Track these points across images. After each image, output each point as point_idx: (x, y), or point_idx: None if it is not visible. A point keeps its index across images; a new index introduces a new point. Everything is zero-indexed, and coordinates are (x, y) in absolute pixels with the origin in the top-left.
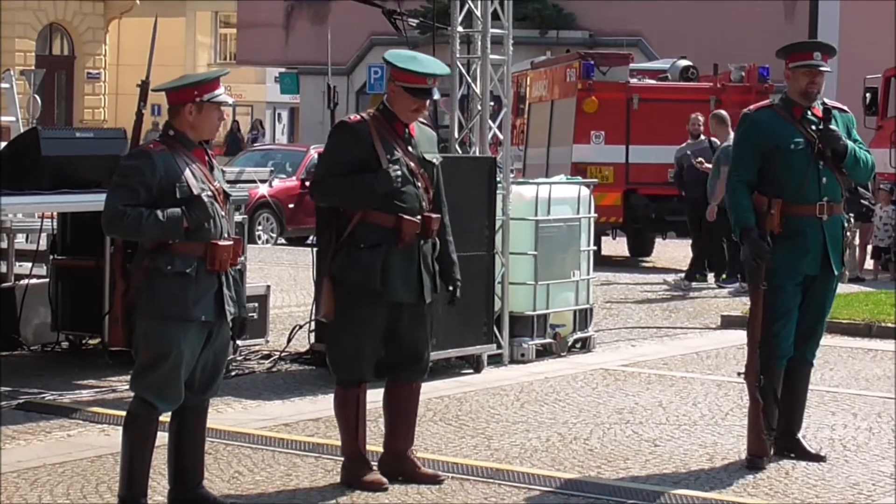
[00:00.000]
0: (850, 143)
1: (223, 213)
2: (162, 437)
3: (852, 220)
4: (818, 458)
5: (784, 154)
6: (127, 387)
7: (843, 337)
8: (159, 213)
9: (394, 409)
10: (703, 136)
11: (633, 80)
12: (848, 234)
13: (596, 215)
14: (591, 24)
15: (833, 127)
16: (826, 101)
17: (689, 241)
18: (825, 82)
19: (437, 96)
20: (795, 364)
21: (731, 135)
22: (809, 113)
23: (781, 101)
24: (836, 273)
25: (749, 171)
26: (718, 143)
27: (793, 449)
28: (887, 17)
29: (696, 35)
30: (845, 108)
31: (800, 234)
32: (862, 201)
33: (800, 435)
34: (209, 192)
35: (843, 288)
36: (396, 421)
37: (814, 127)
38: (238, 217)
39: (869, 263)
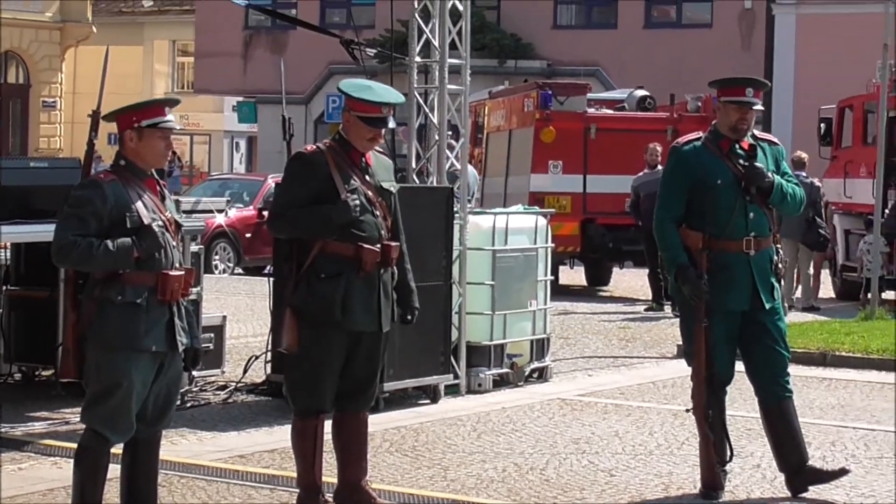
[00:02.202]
0: (776, 179)
1: (175, 243)
2: (115, 470)
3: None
4: (843, 473)
5: (711, 190)
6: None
7: (797, 366)
8: (109, 242)
9: (344, 440)
10: (660, 167)
11: (591, 110)
12: (780, 266)
13: (553, 245)
14: (549, 54)
15: (758, 164)
16: (756, 133)
17: (647, 271)
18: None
19: (392, 125)
20: (771, 403)
21: None
22: (738, 146)
23: (711, 134)
24: (766, 307)
25: (677, 207)
26: None
27: (813, 479)
28: (842, 48)
29: (654, 65)
30: (775, 140)
31: (726, 270)
32: (820, 231)
33: (810, 462)
34: (160, 222)
35: (798, 317)
36: (348, 452)
37: (741, 162)
38: (194, 247)
39: (825, 292)
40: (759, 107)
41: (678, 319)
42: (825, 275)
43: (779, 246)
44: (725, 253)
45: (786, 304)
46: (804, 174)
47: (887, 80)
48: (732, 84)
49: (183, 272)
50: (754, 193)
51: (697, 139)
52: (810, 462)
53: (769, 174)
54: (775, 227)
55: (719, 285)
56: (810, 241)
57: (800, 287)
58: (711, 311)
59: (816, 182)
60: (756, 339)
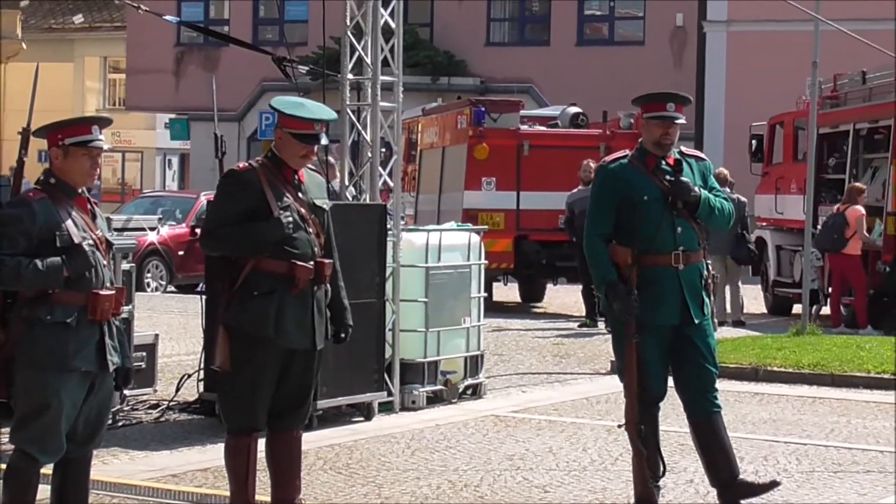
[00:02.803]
0: (703, 193)
1: (105, 262)
2: (45, 490)
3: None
4: (774, 485)
5: (638, 205)
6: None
7: (729, 381)
8: (38, 262)
9: (277, 458)
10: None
11: (524, 127)
12: (710, 280)
13: (487, 262)
14: (483, 71)
15: (684, 179)
16: (683, 149)
17: (580, 287)
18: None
19: (324, 141)
20: (700, 419)
21: None
22: (664, 163)
23: (637, 152)
24: (696, 322)
25: (606, 225)
26: None
27: (745, 493)
28: (772, 66)
29: (586, 82)
30: (702, 155)
31: (655, 285)
32: (749, 246)
33: (742, 476)
34: (90, 241)
35: (730, 332)
36: (281, 470)
37: (668, 177)
38: (126, 265)
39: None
40: (681, 121)
41: (612, 335)
42: (757, 290)
43: (709, 261)
44: (654, 267)
45: (716, 320)
46: (728, 190)
47: (817, 97)
48: (654, 100)
49: (114, 291)
50: (681, 208)
51: (623, 157)
52: (741, 476)
53: (695, 188)
54: (705, 242)
55: (649, 300)
56: (740, 256)
57: (728, 302)
58: (642, 327)
59: (742, 198)
60: (685, 356)
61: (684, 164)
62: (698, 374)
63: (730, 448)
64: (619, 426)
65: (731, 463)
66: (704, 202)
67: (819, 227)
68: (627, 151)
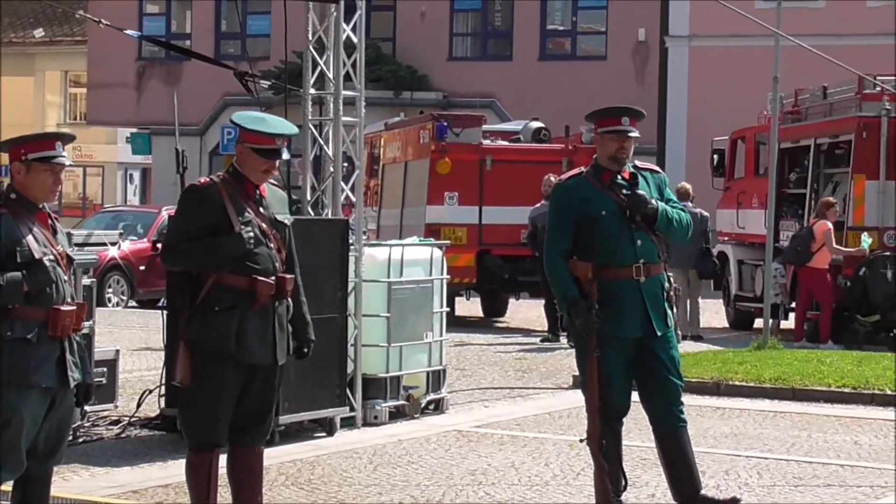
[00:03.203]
0: (660, 205)
1: (66, 278)
2: None
3: (671, 280)
4: (735, 502)
5: (597, 221)
6: None
7: (691, 395)
8: None
9: (239, 474)
10: None
11: (486, 142)
12: (671, 293)
13: (449, 276)
14: (445, 86)
15: (640, 192)
16: (637, 162)
17: (543, 302)
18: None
19: (286, 156)
20: (665, 432)
21: None
22: (619, 177)
23: (592, 168)
24: (659, 335)
25: (565, 242)
26: None
27: None
28: (734, 81)
29: (549, 97)
30: (656, 168)
31: (617, 298)
32: (714, 260)
33: (703, 492)
34: (51, 257)
35: (691, 346)
36: (243, 486)
37: (624, 191)
38: (87, 280)
39: (719, 321)
40: (635, 134)
41: (574, 350)
42: (719, 305)
43: (670, 273)
44: (615, 281)
45: (679, 333)
46: (690, 204)
47: (778, 112)
48: (608, 115)
49: (74, 307)
50: (639, 220)
51: (579, 174)
52: (703, 491)
53: (652, 201)
54: (665, 254)
55: (612, 313)
56: (705, 270)
57: (688, 316)
58: (605, 341)
59: (704, 212)
60: (649, 368)
61: (640, 177)
62: (663, 387)
63: (694, 463)
64: (581, 441)
65: (694, 478)
66: (662, 214)
67: (785, 241)
68: (583, 168)
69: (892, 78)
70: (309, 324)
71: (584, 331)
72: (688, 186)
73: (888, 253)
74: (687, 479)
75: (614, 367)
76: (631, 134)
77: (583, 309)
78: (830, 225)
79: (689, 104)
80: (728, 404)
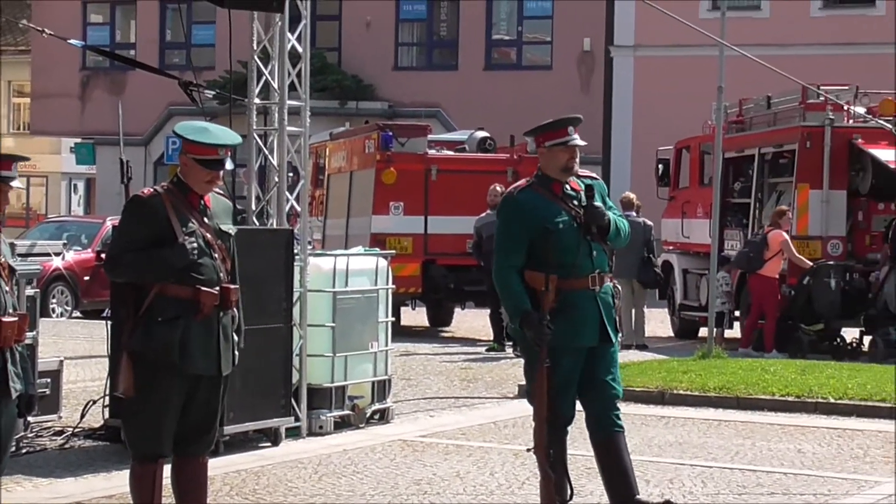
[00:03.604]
0: (611, 216)
1: (7, 289)
2: None
3: (618, 288)
4: None
5: (553, 233)
6: None
7: (636, 405)
8: None
9: (183, 484)
10: None
11: (432, 152)
12: (617, 301)
13: (394, 286)
14: (391, 96)
15: (597, 203)
16: (579, 171)
17: (488, 312)
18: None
19: (230, 166)
20: (602, 437)
21: None
22: (568, 187)
23: (538, 180)
24: (614, 342)
25: (518, 255)
26: None
27: None
28: (679, 90)
29: (494, 106)
30: (595, 175)
31: (575, 308)
32: (655, 269)
33: (638, 497)
34: None
35: (636, 356)
36: (187, 497)
37: (575, 202)
38: (30, 291)
39: (664, 330)
40: (582, 143)
41: (520, 359)
42: (664, 314)
43: (614, 281)
44: (573, 291)
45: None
46: (634, 214)
47: (722, 121)
48: (554, 128)
49: (16, 318)
50: (594, 231)
51: (528, 186)
52: (639, 496)
53: (607, 212)
54: (611, 263)
55: (570, 323)
56: (646, 279)
57: (633, 325)
58: (561, 350)
59: (648, 222)
60: (595, 374)
61: (590, 187)
62: (605, 393)
63: (630, 468)
64: (529, 450)
65: (629, 482)
66: (613, 224)
67: (730, 250)
68: (529, 179)
69: (836, 88)
70: (241, 332)
71: (535, 343)
72: (632, 196)
73: (832, 262)
74: (622, 484)
75: (568, 376)
76: (579, 143)
77: (535, 321)
78: (786, 235)
79: (634, 114)
80: (673, 413)
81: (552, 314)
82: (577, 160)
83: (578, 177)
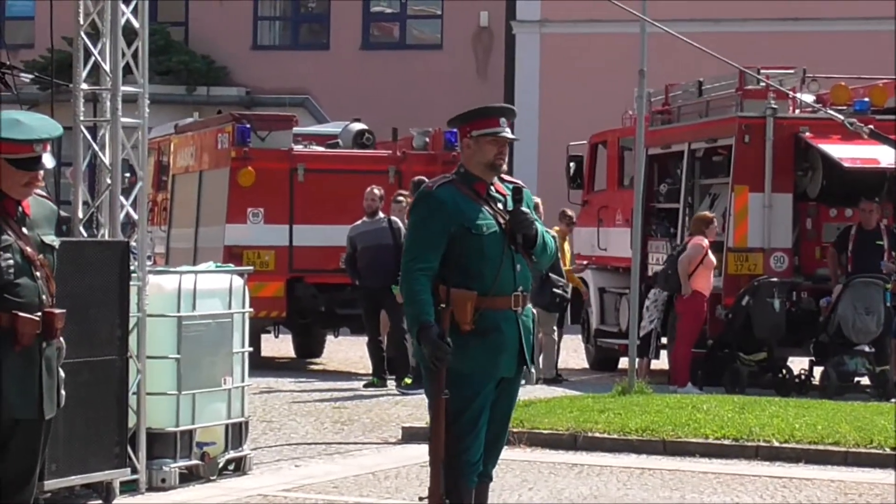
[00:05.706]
0: (539, 227)
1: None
2: None
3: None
4: None
5: (475, 239)
6: None
7: (543, 450)
8: None
9: None
10: (382, 214)
11: (298, 147)
12: (538, 327)
13: (253, 310)
14: (249, 80)
15: (525, 209)
16: (504, 175)
17: (366, 339)
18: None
19: (50, 164)
20: (484, 482)
21: None
22: (493, 189)
23: (460, 176)
24: (530, 371)
25: (433, 259)
26: (400, 222)
27: None
28: (594, 75)
29: (373, 93)
30: (520, 182)
31: (496, 331)
32: (555, 290)
33: None
34: None
35: (544, 391)
36: None
37: (501, 206)
38: None
39: (578, 361)
40: (514, 137)
41: (405, 397)
42: (577, 341)
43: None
44: (494, 311)
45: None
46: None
47: (645, 111)
48: (484, 115)
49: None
50: (519, 242)
51: (449, 182)
52: None
53: (534, 221)
54: (534, 283)
55: (490, 347)
56: (542, 302)
57: (542, 356)
58: (478, 386)
59: (553, 232)
60: (499, 410)
61: (519, 191)
62: (499, 432)
63: None
64: (421, 499)
65: None
66: (541, 236)
67: (655, 264)
68: (450, 176)
69: (779, 72)
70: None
71: (431, 361)
72: (537, 200)
73: (775, 279)
74: None
75: (480, 410)
76: (510, 137)
77: (433, 336)
78: (706, 242)
79: (540, 102)
80: (587, 460)
81: (469, 338)
82: (505, 158)
83: (503, 180)
